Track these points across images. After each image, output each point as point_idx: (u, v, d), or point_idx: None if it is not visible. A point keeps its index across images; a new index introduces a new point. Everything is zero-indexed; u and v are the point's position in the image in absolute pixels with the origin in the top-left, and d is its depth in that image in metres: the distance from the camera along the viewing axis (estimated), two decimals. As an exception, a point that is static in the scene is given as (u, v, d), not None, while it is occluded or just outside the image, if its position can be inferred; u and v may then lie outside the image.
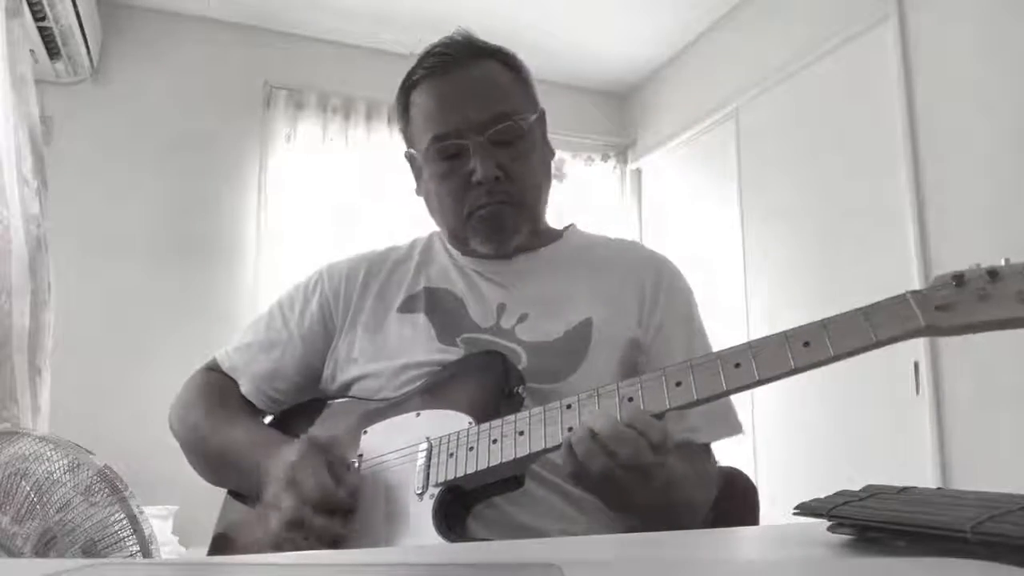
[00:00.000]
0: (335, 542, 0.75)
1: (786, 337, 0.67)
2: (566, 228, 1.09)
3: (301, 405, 1.00)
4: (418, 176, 1.05)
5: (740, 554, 0.56)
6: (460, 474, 0.76)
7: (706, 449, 0.93)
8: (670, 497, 0.76)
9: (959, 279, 0.61)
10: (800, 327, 0.67)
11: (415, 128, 1.00)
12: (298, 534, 0.75)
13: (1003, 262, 0.60)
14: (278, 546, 0.77)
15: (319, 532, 0.74)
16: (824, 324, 0.65)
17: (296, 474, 0.77)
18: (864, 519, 0.47)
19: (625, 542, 0.69)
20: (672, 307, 0.98)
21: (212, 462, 0.96)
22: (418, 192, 1.06)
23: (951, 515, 0.44)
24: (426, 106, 0.98)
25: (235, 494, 0.97)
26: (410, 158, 1.05)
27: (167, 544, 2.30)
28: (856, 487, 0.54)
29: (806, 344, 0.65)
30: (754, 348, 0.68)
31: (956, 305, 0.61)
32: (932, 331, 0.62)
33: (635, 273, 1.00)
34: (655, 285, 0.98)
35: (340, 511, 0.76)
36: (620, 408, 0.71)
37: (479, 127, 0.93)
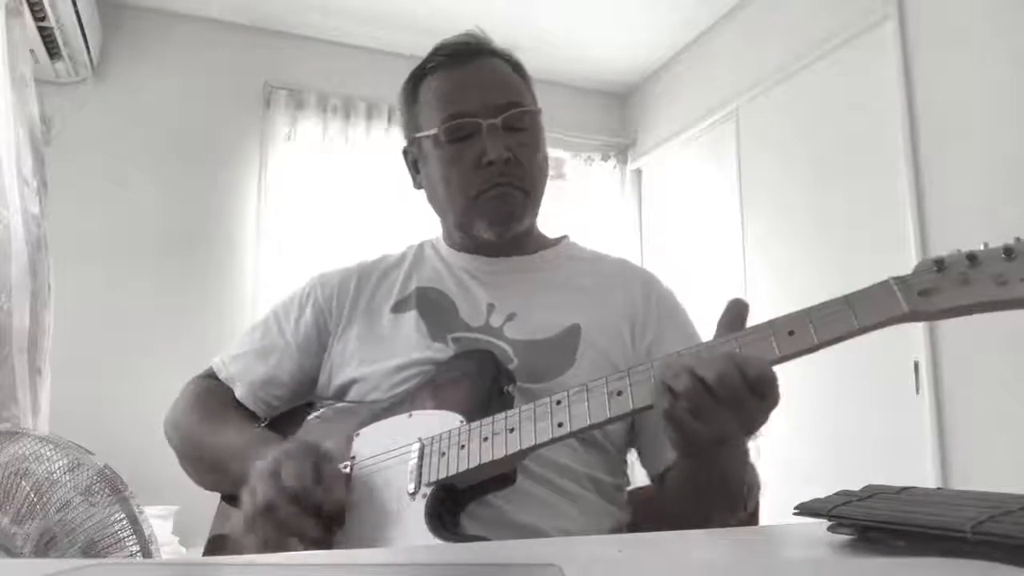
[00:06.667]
0: (310, 543, 0.74)
1: (771, 327, 0.67)
2: (561, 238, 1.10)
3: (294, 410, 1.00)
4: (415, 169, 1.05)
5: (740, 554, 0.56)
6: (452, 472, 0.76)
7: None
8: (740, 454, 0.79)
9: (940, 264, 0.62)
10: (784, 316, 0.67)
11: (425, 111, 1.00)
12: (268, 521, 0.73)
13: (982, 246, 0.61)
14: (255, 538, 0.75)
15: (289, 523, 0.73)
16: (808, 312, 0.66)
17: (280, 466, 0.76)
18: (864, 519, 0.47)
19: (625, 542, 0.69)
20: (665, 324, 0.98)
21: (206, 466, 0.95)
22: (416, 185, 1.06)
23: (951, 515, 0.44)
24: (442, 88, 0.99)
25: (229, 499, 0.96)
26: (407, 152, 1.06)
27: (167, 544, 2.30)
28: (856, 487, 0.54)
29: (791, 333, 0.66)
30: (739, 339, 0.68)
31: (938, 290, 0.62)
32: (915, 316, 0.62)
33: (626, 292, 1.00)
34: (645, 304, 0.99)
35: (314, 510, 0.74)
36: (609, 402, 0.71)
37: (494, 110, 0.96)
